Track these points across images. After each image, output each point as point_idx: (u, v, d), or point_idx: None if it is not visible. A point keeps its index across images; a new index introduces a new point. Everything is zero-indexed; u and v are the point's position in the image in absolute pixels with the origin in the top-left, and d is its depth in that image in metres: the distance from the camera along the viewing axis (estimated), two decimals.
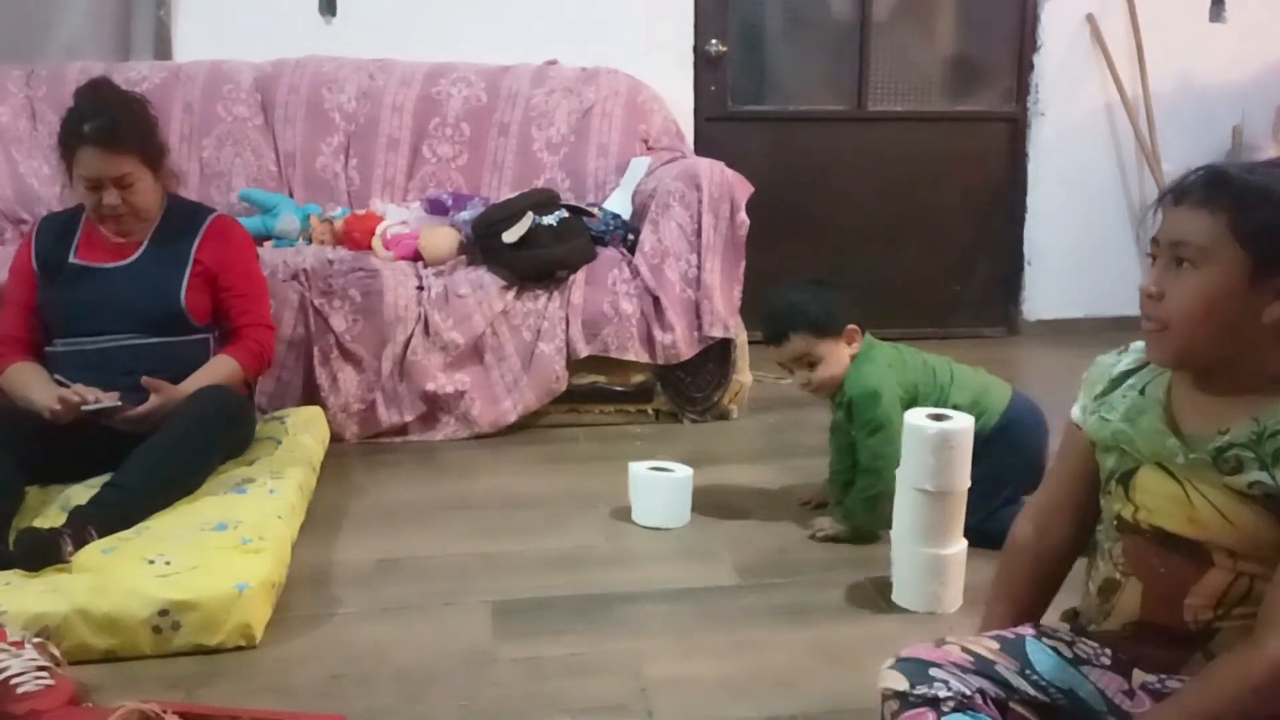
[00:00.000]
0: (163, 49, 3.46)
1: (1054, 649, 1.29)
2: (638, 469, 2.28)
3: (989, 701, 1.22)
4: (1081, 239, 4.06)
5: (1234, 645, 1.13)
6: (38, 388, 2.16)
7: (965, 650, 1.27)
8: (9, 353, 2.27)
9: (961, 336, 3.94)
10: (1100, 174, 4.04)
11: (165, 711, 1.21)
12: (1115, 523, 1.26)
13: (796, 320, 2.11)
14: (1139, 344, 1.26)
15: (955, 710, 1.19)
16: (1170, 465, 1.19)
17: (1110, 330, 3.97)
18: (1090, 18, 3.91)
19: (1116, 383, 1.29)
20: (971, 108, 4.01)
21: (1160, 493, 1.20)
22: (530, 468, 2.65)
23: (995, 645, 1.29)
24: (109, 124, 2.18)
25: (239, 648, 1.72)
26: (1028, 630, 1.32)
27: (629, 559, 2.09)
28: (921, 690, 1.21)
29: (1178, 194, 1.16)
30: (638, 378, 2.96)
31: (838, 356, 2.12)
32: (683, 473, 2.27)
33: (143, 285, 2.27)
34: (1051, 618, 1.36)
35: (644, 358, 2.90)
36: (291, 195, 3.26)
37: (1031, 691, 1.26)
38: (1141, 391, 1.25)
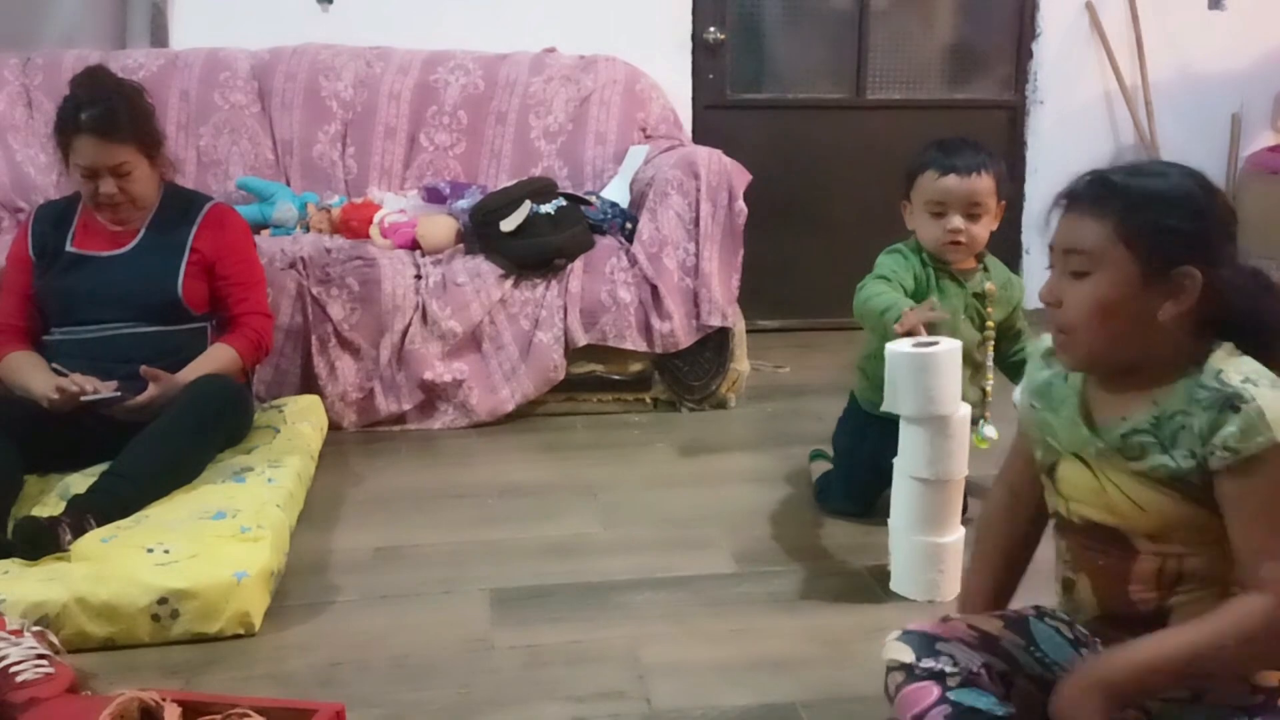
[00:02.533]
0: (159, 36, 3.44)
1: (1055, 629, 1.30)
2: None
3: (995, 677, 1.23)
4: None
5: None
6: (36, 377, 2.16)
7: (971, 626, 1.28)
8: (6, 341, 2.27)
9: None
10: (1099, 162, 3.92)
11: (164, 700, 1.22)
12: (1055, 519, 1.29)
13: (991, 162, 1.98)
14: None
15: (961, 685, 1.19)
16: (1084, 455, 1.22)
17: None
18: (1089, 6, 3.90)
19: (1046, 362, 1.31)
20: (970, 96, 4.00)
21: (1079, 483, 1.23)
22: (528, 456, 2.66)
23: (1000, 623, 1.30)
24: (105, 112, 2.18)
25: (238, 635, 1.72)
26: (1029, 611, 1.33)
27: (626, 547, 2.09)
28: (928, 664, 1.21)
29: (1068, 200, 1.18)
30: (636, 366, 2.96)
31: (990, 224, 2.01)
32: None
33: (140, 274, 2.27)
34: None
35: (642, 346, 2.90)
36: (289, 183, 3.25)
37: (1037, 669, 1.26)
38: (1065, 378, 1.27)
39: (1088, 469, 1.22)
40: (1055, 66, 3.95)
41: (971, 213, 1.98)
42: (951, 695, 1.18)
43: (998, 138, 4.03)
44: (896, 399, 1.82)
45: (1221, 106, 4.01)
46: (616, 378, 2.97)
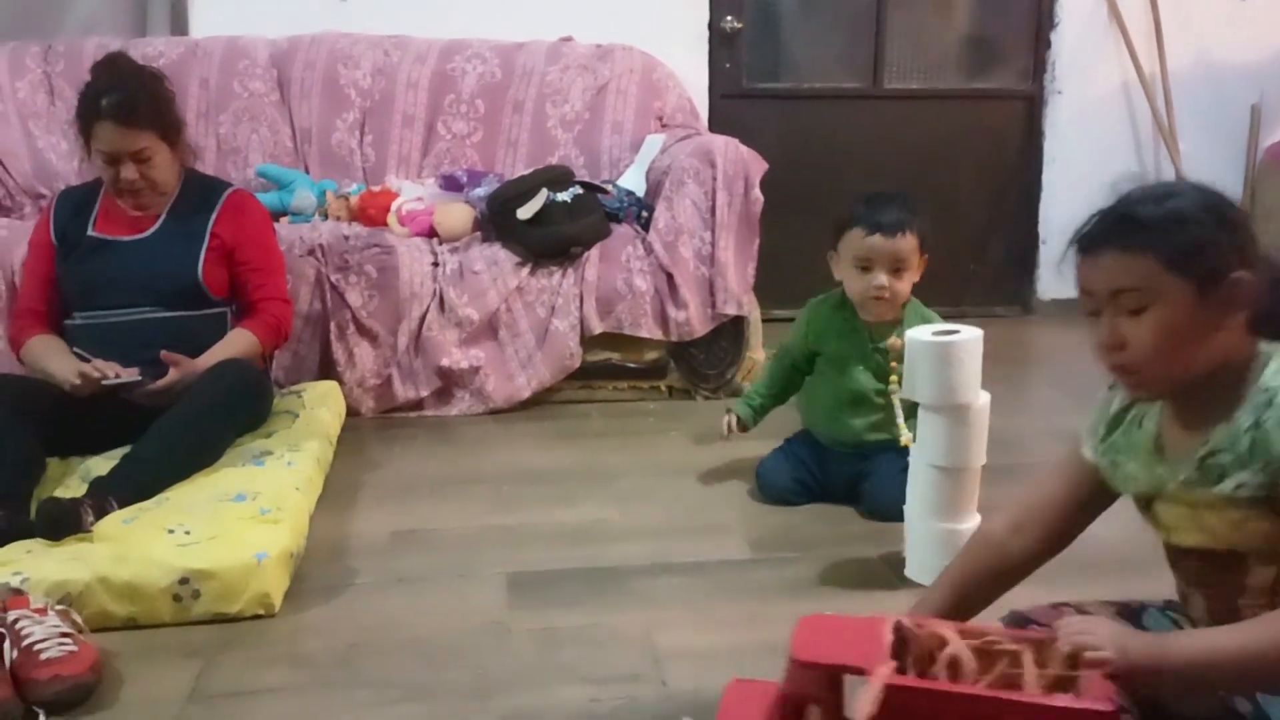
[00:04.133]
0: (179, 25, 3.46)
1: (1173, 622, 1.29)
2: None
3: None
4: None
5: None
6: (57, 361, 2.18)
7: (1080, 610, 1.27)
8: (28, 326, 2.30)
9: (975, 315, 3.89)
10: (1117, 153, 4.01)
11: (919, 627, 1.20)
12: (1164, 549, 1.27)
13: (915, 221, 2.09)
14: None
15: None
16: (1165, 493, 1.20)
17: None
18: None
19: (1116, 422, 1.29)
20: (988, 86, 3.98)
21: (1174, 515, 1.21)
22: (544, 443, 2.67)
23: (1113, 610, 1.30)
24: (126, 99, 2.19)
25: (257, 616, 1.74)
26: (1155, 603, 1.32)
27: (642, 533, 2.10)
28: None
29: (1095, 243, 1.16)
30: (651, 355, 2.97)
31: (912, 278, 2.13)
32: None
33: (160, 259, 2.28)
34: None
35: (657, 335, 2.91)
36: (307, 171, 3.27)
37: None
38: (1140, 424, 1.25)
39: (1177, 503, 1.20)
40: (1073, 56, 3.93)
41: (895, 269, 2.11)
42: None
43: (1015, 128, 4.02)
44: (915, 386, 1.83)
45: (1241, 97, 3.99)
46: (632, 366, 2.98)
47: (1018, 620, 1.29)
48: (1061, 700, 1.06)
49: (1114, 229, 1.14)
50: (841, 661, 1.12)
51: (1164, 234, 1.11)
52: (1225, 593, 1.19)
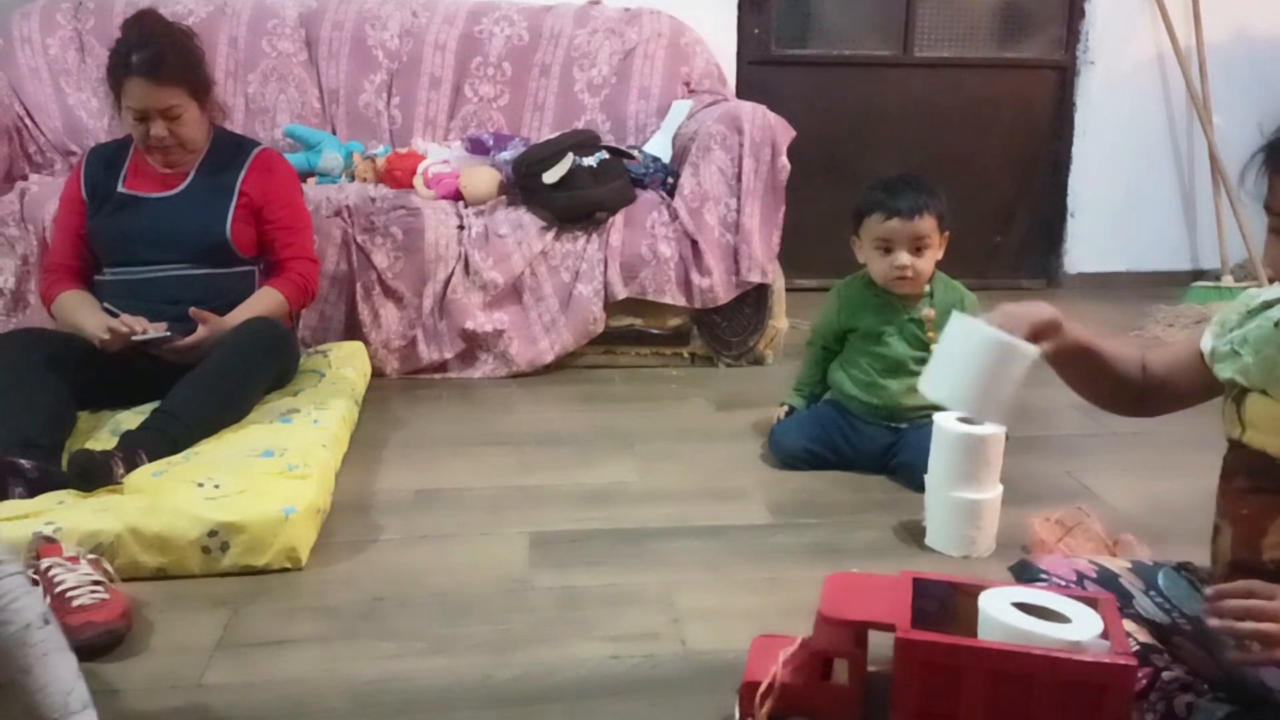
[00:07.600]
0: None
1: (1188, 580, 1.30)
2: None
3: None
4: (1126, 192, 3.99)
5: None
6: (88, 316, 2.21)
7: (1093, 562, 1.30)
8: (59, 281, 2.33)
9: (1000, 288, 3.90)
10: (1148, 126, 3.96)
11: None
12: (1228, 447, 1.25)
13: (933, 202, 2.15)
14: None
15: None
16: (1271, 391, 1.18)
17: (1152, 285, 3.92)
18: None
19: (1254, 313, 1.26)
20: (1019, 55, 3.93)
21: (1261, 412, 1.19)
22: (566, 406, 2.68)
23: (1127, 565, 1.31)
24: (156, 55, 2.20)
25: (284, 569, 1.77)
26: (1168, 563, 1.33)
27: (662, 496, 2.12)
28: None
29: None
30: (674, 321, 2.97)
31: (935, 255, 2.19)
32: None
33: (189, 216, 2.30)
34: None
35: (681, 301, 2.91)
36: (335, 132, 3.27)
37: (1151, 608, 1.26)
38: (1277, 325, 1.22)
39: (1274, 399, 1.18)
40: (1107, 26, 3.87)
41: (916, 248, 2.17)
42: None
43: (1046, 98, 3.97)
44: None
45: (1278, 70, 3.91)
46: (655, 332, 2.98)
47: (1026, 569, 1.30)
48: (1086, 655, 1.08)
49: None
50: (867, 618, 1.16)
51: None
52: (1253, 527, 1.19)
